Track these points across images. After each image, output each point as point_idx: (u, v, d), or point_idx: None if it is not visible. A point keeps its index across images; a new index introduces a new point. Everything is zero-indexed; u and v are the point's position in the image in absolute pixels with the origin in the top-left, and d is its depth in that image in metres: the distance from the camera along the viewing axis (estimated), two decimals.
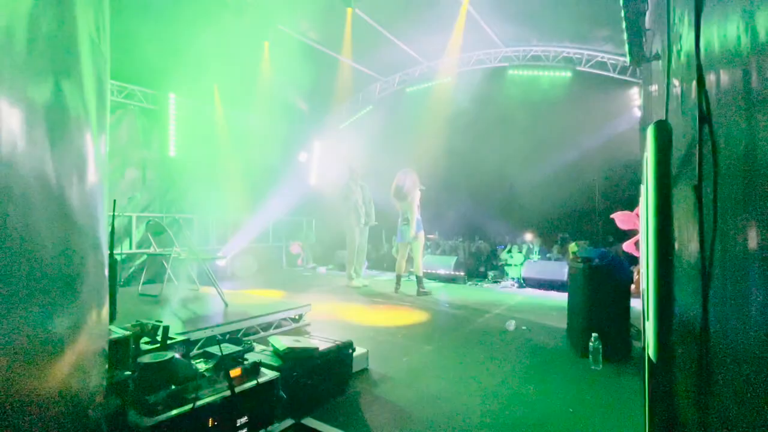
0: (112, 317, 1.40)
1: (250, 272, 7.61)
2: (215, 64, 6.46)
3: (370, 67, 8.62)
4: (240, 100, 7.69)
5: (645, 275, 1.48)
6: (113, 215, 1.50)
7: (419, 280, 5.78)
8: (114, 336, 1.36)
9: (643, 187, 2.45)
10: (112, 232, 1.44)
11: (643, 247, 2.44)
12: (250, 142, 7.86)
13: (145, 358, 1.67)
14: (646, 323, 1.43)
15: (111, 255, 1.40)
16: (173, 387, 1.63)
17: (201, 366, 1.87)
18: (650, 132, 1.21)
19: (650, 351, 1.17)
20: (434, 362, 2.99)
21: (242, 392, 1.80)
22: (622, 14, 3.05)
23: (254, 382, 1.86)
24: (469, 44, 7.85)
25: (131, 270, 6.48)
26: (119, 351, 1.36)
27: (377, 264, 8.55)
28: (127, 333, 1.40)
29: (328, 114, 9.89)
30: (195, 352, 2.89)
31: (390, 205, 6.19)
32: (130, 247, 6.57)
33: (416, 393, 2.42)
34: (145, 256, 6.19)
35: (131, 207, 6.63)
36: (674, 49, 1.57)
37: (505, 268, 7.09)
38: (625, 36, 3.08)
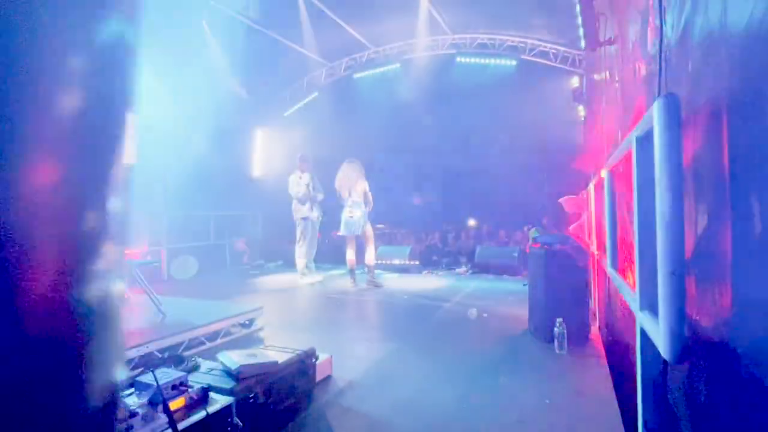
0: None
1: (189, 274, 6.95)
2: (142, 42, 5.69)
3: (314, 51, 8.16)
4: (170, 83, 6.89)
5: (638, 265, 1.39)
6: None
7: (370, 271, 5.62)
8: None
9: (604, 170, 2.44)
10: None
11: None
12: (184, 130, 7.11)
13: None
14: (642, 314, 1.36)
15: None
16: None
17: (132, 401, 1.52)
18: (657, 108, 1.09)
19: (662, 350, 1.08)
20: (401, 362, 2.83)
21: (189, 428, 1.49)
22: None
23: (203, 413, 1.56)
24: (418, 30, 7.70)
25: None
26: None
27: (326, 257, 8.23)
28: None
29: (271, 101, 9.28)
30: (128, 374, 2.47)
31: (331, 196, 5.93)
32: None
33: (388, 400, 2.23)
34: None
35: None
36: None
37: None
38: (579, 20, 3.07)
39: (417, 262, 7.14)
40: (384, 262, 7.22)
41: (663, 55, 1.37)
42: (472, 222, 8.33)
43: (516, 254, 6.52)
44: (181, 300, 4.34)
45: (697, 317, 1.12)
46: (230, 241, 8.33)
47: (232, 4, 6.31)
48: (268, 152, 9.42)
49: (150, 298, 3.59)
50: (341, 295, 5.19)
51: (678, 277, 1.05)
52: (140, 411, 1.46)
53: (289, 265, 7.86)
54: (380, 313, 4.21)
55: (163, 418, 1.46)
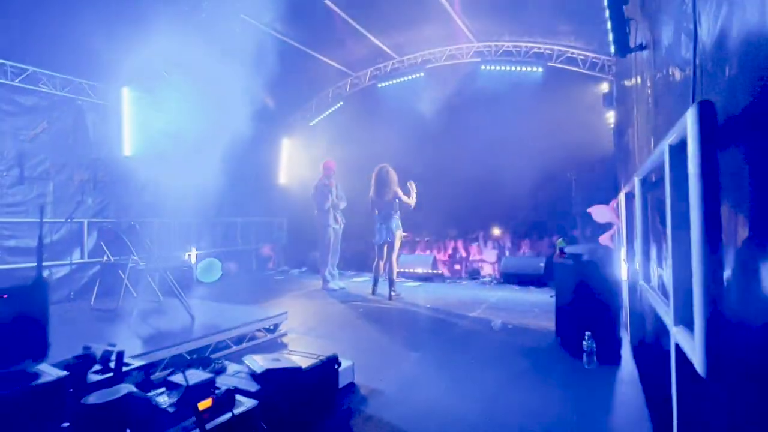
0: (42, 356, 1.11)
1: (214, 277, 7.15)
2: (173, 57, 5.98)
3: (340, 62, 8.32)
4: (201, 95, 7.18)
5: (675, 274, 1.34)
6: (41, 226, 1.20)
7: (392, 283, 5.51)
8: (43, 380, 1.07)
9: (635, 179, 2.36)
10: (40, 246, 1.13)
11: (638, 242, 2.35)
12: (213, 139, 7.38)
13: (91, 398, 1.36)
14: (677, 329, 1.30)
15: (39, 275, 1.10)
16: (128, 431, 1.34)
17: (163, 400, 1.58)
18: (691, 116, 1.06)
19: (697, 365, 1.03)
20: (424, 371, 2.81)
21: (215, 428, 1.53)
22: (605, 2, 2.96)
23: (229, 415, 1.59)
24: (442, 39, 7.73)
25: (83, 281, 5.89)
26: (50, 398, 1.08)
27: (350, 264, 8.28)
28: (61, 374, 1.11)
29: (297, 111, 9.50)
30: (158, 374, 2.56)
31: (361, 203, 5.97)
32: (82, 257, 5.98)
33: (411, 408, 2.22)
34: (99, 267, 5.65)
35: (81, 212, 6.02)
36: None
37: None
38: (609, 25, 3.00)
39: (440, 271, 7.08)
40: (406, 270, 7.19)
41: (697, 61, 1.33)
42: (497, 231, 8.20)
43: (542, 264, 6.36)
44: (209, 303, 4.48)
45: (734, 333, 1.07)
46: (257, 246, 8.53)
47: (260, 16, 6.54)
48: (294, 160, 9.62)
49: (180, 301, 3.72)
50: (363, 302, 5.21)
51: (714, 290, 1.01)
52: (170, 410, 1.51)
53: (313, 271, 7.97)
54: (403, 322, 4.19)
55: (191, 418, 1.51)
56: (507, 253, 7.37)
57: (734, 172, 1.09)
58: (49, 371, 1.10)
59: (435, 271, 7.03)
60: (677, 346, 1.31)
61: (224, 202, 7.95)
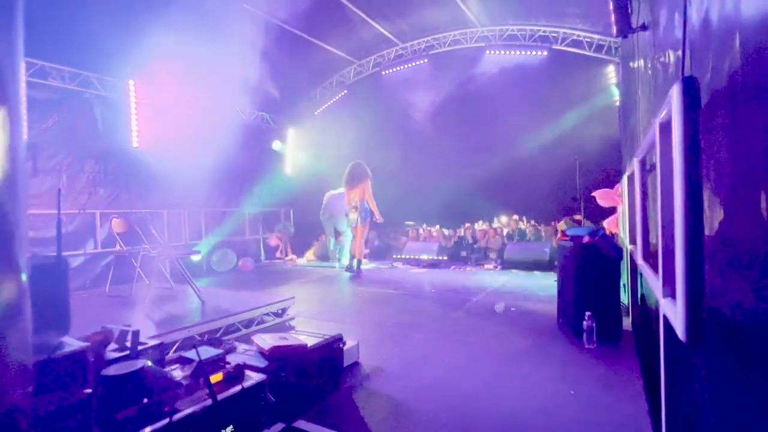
0: (65, 328, 1.19)
1: (227, 267, 7.30)
2: (177, 48, 6.02)
3: (343, 50, 8.29)
4: (207, 86, 7.24)
5: (661, 249, 1.38)
6: (58, 207, 1.28)
7: (352, 262, 6.30)
8: (67, 350, 1.16)
9: (635, 160, 2.38)
10: (59, 227, 1.21)
11: (640, 221, 2.38)
12: (221, 130, 7.45)
13: (110, 370, 1.46)
14: (665, 301, 1.35)
15: (59, 254, 1.19)
16: (145, 400, 1.44)
17: (177, 374, 1.68)
18: (676, 92, 1.09)
19: (679, 331, 1.08)
20: (427, 351, 2.89)
21: (226, 400, 1.63)
22: None
23: (239, 388, 1.69)
24: (446, 24, 7.66)
25: (98, 271, 6.07)
26: (74, 366, 1.17)
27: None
28: (84, 345, 1.20)
29: (302, 100, 9.52)
30: (171, 355, 2.68)
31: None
32: (96, 247, 6.14)
33: (413, 384, 2.30)
34: (112, 256, 5.81)
35: (93, 203, 6.17)
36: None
37: None
38: (610, 6, 2.97)
39: (445, 258, 7.14)
40: (412, 257, 7.27)
41: (687, 39, 1.35)
42: (503, 219, 8.21)
43: (547, 250, 6.38)
44: (218, 290, 4.61)
45: (717, 303, 1.12)
46: (264, 236, 8.66)
47: (262, 5, 6.53)
48: (299, 150, 9.68)
49: (191, 287, 3.84)
50: (370, 287, 5.30)
51: (695, 261, 1.05)
52: (184, 382, 1.61)
53: (321, 259, 8.09)
54: (408, 307, 4.28)
55: (203, 390, 1.61)
56: (513, 239, 7.40)
57: (718, 150, 1.12)
58: (71, 342, 1.19)
59: (440, 258, 7.10)
60: (665, 317, 1.36)
61: (232, 192, 8.08)
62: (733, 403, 1.00)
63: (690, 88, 1.05)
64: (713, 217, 1.16)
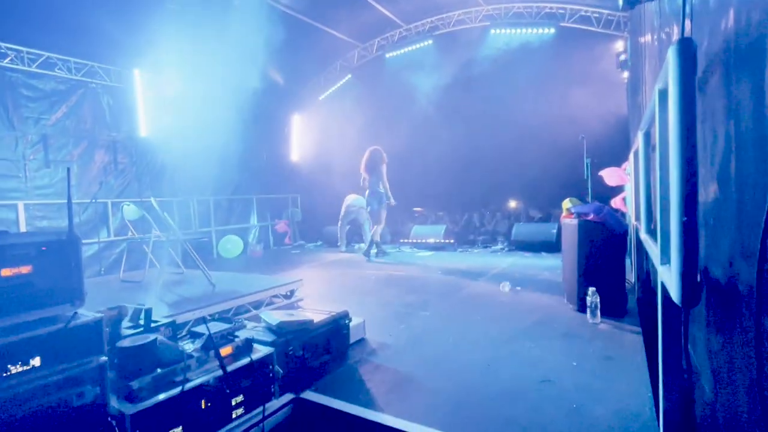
0: (80, 300, 1.25)
1: (236, 254, 7.43)
2: (180, 35, 6.01)
3: (346, 33, 8.20)
4: (211, 73, 7.24)
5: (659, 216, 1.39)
6: (68, 186, 1.32)
7: (371, 245, 6.35)
8: (82, 320, 1.22)
9: (639, 133, 2.36)
10: (70, 203, 1.26)
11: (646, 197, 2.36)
12: (226, 118, 7.48)
13: (125, 342, 1.53)
14: (662, 268, 1.36)
15: (71, 231, 1.24)
16: (159, 370, 1.51)
17: (188, 347, 1.75)
18: (671, 54, 1.08)
19: (673, 294, 1.10)
20: (433, 327, 2.94)
21: (235, 371, 1.69)
22: None
23: (247, 359, 1.76)
24: (450, 4, 7.51)
25: (112, 258, 6.23)
26: (90, 335, 1.23)
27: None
28: (98, 316, 1.26)
29: (306, 86, 9.48)
30: (183, 333, 2.77)
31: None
32: (108, 235, 6.29)
33: (417, 358, 2.36)
34: (125, 243, 5.94)
35: (104, 193, 6.29)
36: None
37: None
38: None
39: (452, 241, 7.16)
40: (419, 240, 7.30)
41: (687, 9, 1.33)
42: (509, 198, 8.17)
43: (554, 231, 6.35)
44: (228, 274, 4.70)
45: (712, 267, 1.13)
46: (272, 222, 8.76)
47: None
48: (305, 136, 9.69)
49: (202, 270, 3.93)
50: (377, 270, 5.36)
51: (688, 224, 1.06)
52: (195, 354, 1.68)
53: (329, 244, 8.17)
54: (414, 287, 4.32)
55: (214, 361, 1.67)
56: (521, 219, 7.37)
57: (713, 113, 1.12)
58: (86, 314, 1.25)
59: (447, 241, 7.12)
60: (662, 284, 1.37)
61: (240, 179, 8.15)
62: (720, 361, 1.02)
63: (686, 49, 1.04)
64: (707, 183, 1.17)
